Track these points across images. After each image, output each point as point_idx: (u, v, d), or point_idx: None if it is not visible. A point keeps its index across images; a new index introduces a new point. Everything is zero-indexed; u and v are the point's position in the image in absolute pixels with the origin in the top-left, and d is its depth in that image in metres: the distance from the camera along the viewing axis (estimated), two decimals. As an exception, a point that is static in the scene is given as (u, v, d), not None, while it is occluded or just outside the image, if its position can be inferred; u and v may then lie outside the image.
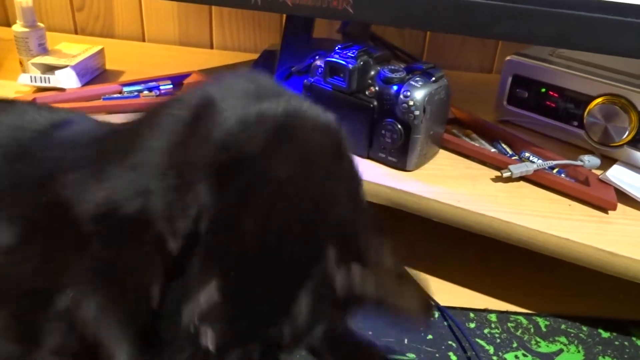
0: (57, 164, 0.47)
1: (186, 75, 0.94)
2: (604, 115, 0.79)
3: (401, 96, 0.71)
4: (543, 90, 0.85)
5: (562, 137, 0.85)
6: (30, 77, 0.87)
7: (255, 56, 1.05)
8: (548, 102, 0.85)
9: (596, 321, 0.73)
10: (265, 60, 0.99)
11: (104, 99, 0.87)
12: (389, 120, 0.73)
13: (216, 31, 1.17)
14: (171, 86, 0.91)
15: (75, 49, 0.95)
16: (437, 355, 0.67)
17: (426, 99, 0.71)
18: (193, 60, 1.06)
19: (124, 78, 0.97)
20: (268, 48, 1.04)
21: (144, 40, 1.18)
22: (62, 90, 0.87)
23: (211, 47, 1.19)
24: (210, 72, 0.97)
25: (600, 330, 0.72)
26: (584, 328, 0.72)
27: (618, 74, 0.81)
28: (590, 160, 0.76)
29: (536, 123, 0.87)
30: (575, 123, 0.83)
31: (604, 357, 0.68)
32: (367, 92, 0.74)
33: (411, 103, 0.71)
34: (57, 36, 1.08)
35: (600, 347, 0.69)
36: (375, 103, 0.74)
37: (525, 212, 0.69)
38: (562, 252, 0.65)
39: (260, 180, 0.43)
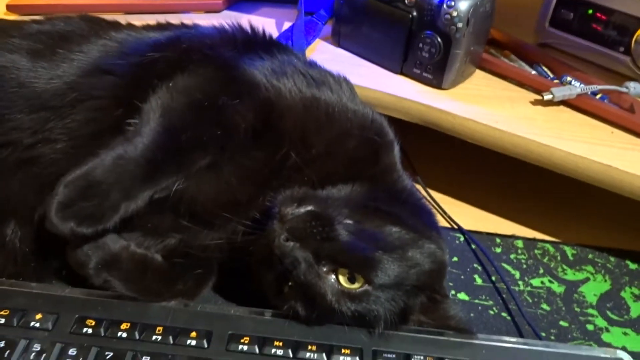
0: None
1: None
2: (655, 41, 0.74)
3: (444, 6, 0.66)
4: (590, 11, 0.79)
5: (605, 63, 0.80)
6: (43, -31, 0.81)
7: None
8: (594, 25, 0.80)
9: (624, 253, 0.71)
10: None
11: (122, -3, 0.81)
12: (428, 32, 0.69)
13: None
14: (192, -11, 0.86)
15: (90, -56, 0.89)
16: (462, 277, 0.66)
17: (471, 10, 0.66)
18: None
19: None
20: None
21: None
22: (76, -14, 0.82)
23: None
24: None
25: (628, 262, 0.70)
26: (612, 259, 0.71)
27: (675, -3, 0.75)
28: (635, 87, 0.72)
29: (579, 47, 0.82)
30: (621, 49, 0.78)
31: (630, 288, 0.67)
32: (406, 1, 0.69)
33: (455, 14, 0.66)
34: None
35: (627, 277, 0.68)
36: (415, 13, 0.69)
37: (565, 137, 0.66)
38: (604, 180, 0.63)
39: None
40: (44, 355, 0.47)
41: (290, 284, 0.49)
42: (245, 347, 0.49)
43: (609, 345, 0.60)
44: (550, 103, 0.70)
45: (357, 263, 0.48)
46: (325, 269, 0.48)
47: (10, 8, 0.77)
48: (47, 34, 0.59)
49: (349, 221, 0.49)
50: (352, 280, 0.48)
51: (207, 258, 0.55)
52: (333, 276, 0.48)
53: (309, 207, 0.49)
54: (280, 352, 0.49)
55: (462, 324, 0.52)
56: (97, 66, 0.56)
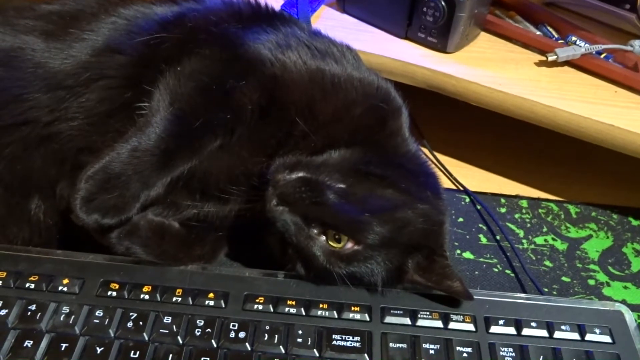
0: None
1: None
2: (661, -3, 0.74)
3: (447, -31, 0.66)
4: (596, -32, 0.79)
5: (611, 21, 0.80)
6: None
7: None
8: (600, -18, 0.80)
9: (627, 210, 0.73)
10: None
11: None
12: (432, -4, 0.69)
13: None
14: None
15: None
16: (467, 237, 0.68)
17: (474, -28, 0.66)
18: None
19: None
20: None
21: None
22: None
23: None
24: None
25: (631, 219, 0.72)
26: (614, 216, 0.72)
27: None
28: (640, 46, 0.72)
29: (584, 5, 0.82)
30: (627, 6, 0.78)
31: (632, 244, 0.69)
32: (409, -35, 0.69)
33: (458, -23, 0.66)
34: None
35: (629, 234, 0.70)
36: (418, -23, 0.69)
37: (569, 98, 0.67)
38: (606, 139, 0.64)
39: None
40: (72, 317, 0.50)
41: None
42: (261, 307, 0.52)
43: (609, 298, 0.62)
44: (554, 64, 0.71)
45: (344, 224, 0.50)
46: (315, 231, 0.51)
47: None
48: (58, 14, 0.60)
49: (340, 185, 0.51)
50: (339, 240, 0.51)
51: (222, 225, 0.57)
52: (323, 237, 0.51)
53: (300, 174, 0.51)
54: (293, 310, 0.52)
55: (461, 288, 0.52)
56: (107, 45, 0.57)
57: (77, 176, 0.52)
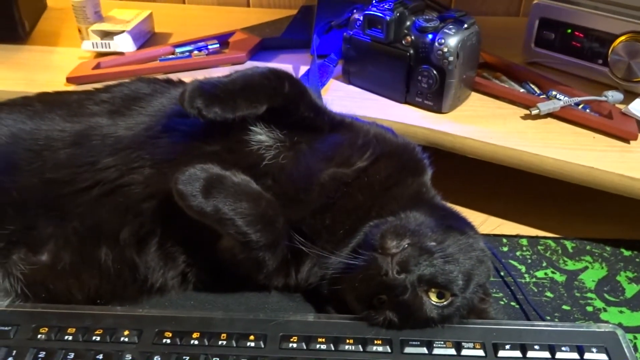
0: None
1: (230, 34, 1.01)
2: (628, 52, 0.83)
3: (436, 44, 0.77)
4: (569, 31, 0.90)
5: (587, 75, 0.90)
6: (92, 43, 0.95)
7: (291, 12, 1.11)
8: (574, 43, 0.90)
9: (619, 242, 0.80)
10: (304, 16, 1.05)
11: (160, 60, 0.94)
12: (425, 66, 0.80)
13: (252, -10, 1.23)
14: (218, 45, 0.98)
15: (127, 15, 1.02)
16: (474, 275, 0.76)
17: (459, 45, 0.77)
18: (232, 19, 1.12)
19: (172, 40, 1.04)
20: (305, 4, 1.09)
21: (184, 3, 1.25)
22: (121, 54, 0.95)
23: (248, 5, 1.24)
24: (252, 30, 1.03)
25: (623, 250, 0.79)
26: (608, 248, 0.79)
27: (641, 12, 0.85)
28: (613, 96, 0.82)
29: (563, 63, 0.92)
30: (600, 61, 0.88)
31: (625, 272, 0.76)
32: (403, 42, 0.80)
33: (445, 50, 0.77)
34: (105, 2, 1.14)
35: (622, 263, 0.77)
36: (412, 51, 0.80)
37: (552, 145, 0.76)
38: (588, 180, 0.72)
39: None
40: (134, 363, 0.58)
41: (382, 298, 0.59)
42: (295, 345, 0.59)
43: (606, 322, 0.69)
44: (537, 116, 0.81)
45: (450, 283, 0.58)
46: (421, 289, 0.58)
47: (70, 80, 0.89)
48: (119, 98, 0.70)
49: (433, 243, 0.59)
50: (441, 296, 0.59)
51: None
52: (425, 295, 0.59)
53: (407, 240, 0.58)
54: (324, 346, 0.59)
55: (491, 315, 0.64)
56: (174, 111, 0.67)
57: (138, 223, 0.63)
